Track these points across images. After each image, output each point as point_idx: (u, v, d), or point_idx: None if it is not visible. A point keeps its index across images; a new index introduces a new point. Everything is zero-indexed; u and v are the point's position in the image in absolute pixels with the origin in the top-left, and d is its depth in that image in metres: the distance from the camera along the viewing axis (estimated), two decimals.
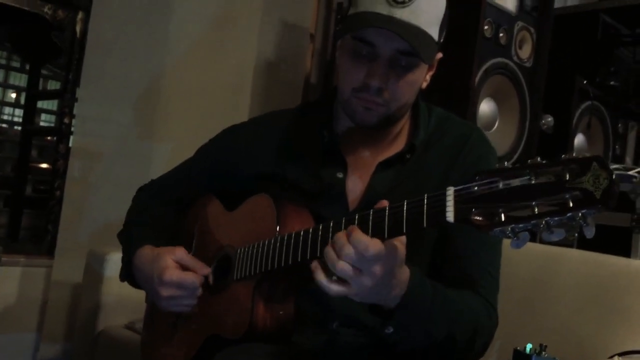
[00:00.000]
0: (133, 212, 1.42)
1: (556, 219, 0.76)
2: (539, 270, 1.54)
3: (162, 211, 1.40)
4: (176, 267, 1.19)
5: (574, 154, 0.77)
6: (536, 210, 0.77)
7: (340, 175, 1.20)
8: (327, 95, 1.31)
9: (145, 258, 1.24)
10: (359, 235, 0.91)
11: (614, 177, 0.73)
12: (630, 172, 2.17)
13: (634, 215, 1.87)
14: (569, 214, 0.75)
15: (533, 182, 0.78)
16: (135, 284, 1.31)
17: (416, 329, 1.03)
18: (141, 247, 1.27)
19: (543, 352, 0.97)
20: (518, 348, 0.99)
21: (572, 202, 0.74)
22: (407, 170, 1.20)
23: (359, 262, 0.91)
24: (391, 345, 1.07)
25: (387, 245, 0.92)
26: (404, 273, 0.97)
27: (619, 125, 2.94)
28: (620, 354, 1.18)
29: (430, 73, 1.21)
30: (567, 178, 0.75)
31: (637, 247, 1.85)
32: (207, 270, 1.21)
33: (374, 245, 0.90)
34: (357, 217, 0.96)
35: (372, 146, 1.22)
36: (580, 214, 0.74)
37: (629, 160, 2.98)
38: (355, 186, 1.20)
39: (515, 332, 1.45)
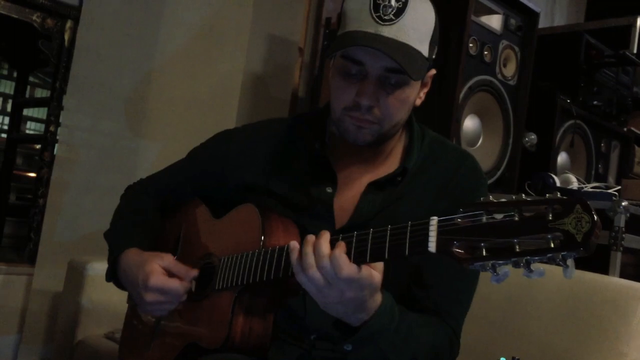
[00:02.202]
0: (121, 211, 1.41)
1: (536, 258, 0.76)
2: (517, 285, 1.55)
3: (149, 212, 1.39)
4: (162, 272, 1.18)
5: (558, 194, 0.77)
6: (517, 248, 0.77)
7: (329, 190, 1.19)
8: (322, 107, 1.31)
9: (132, 261, 1.24)
10: (340, 254, 0.93)
11: (595, 220, 0.73)
12: (610, 191, 2.20)
13: (612, 232, 1.89)
14: (549, 255, 0.75)
15: (516, 218, 0.78)
16: (120, 285, 1.30)
17: (374, 352, 1.03)
18: (128, 250, 1.27)
19: None
20: None
21: (553, 243, 0.75)
22: (397, 193, 1.19)
23: (331, 277, 0.94)
24: None
25: (362, 272, 0.94)
26: (375, 301, 0.99)
27: (602, 144, 2.97)
28: None
29: (425, 90, 1.21)
30: (550, 218, 0.75)
31: (615, 265, 1.87)
32: (194, 273, 1.20)
33: (349, 268, 0.93)
34: (340, 238, 0.97)
35: (364, 163, 1.22)
36: (560, 256, 0.75)
37: (611, 179, 3.01)
38: (343, 204, 1.19)
39: (492, 347, 1.46)
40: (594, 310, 1.43)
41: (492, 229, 0.79)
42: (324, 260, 0.94)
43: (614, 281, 1.52)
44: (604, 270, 1.88)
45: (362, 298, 0.96)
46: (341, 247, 0.95)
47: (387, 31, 1.07)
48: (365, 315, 0.99)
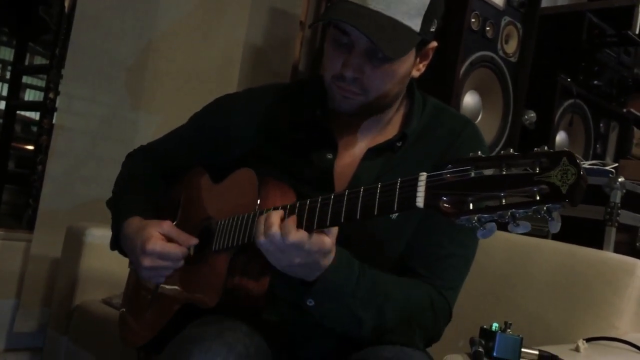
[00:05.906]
0: (122, 179, 1.42)
1: (521, 211, 0.76)
2: (513, 258, 1.56)
3: (151, 179, 1.39)
4: (161, 238, 1.19)
5: (545, 148, 0.77)
6: (503, 201, 0.77)
7: (329, 156, 1.20)
8: (323, 75, 1.29)
9: (133, 229, 1.25)
10: (288, 223, 0.98)
11: (581, 173, 0.73)
12: (607, 167, 2.21)
13: (608, 208, 1.91)
14: (534, 207, 0.75)
15: (504, 172, 0.78)
16: (124, 252, 1.31)
17: (337, 306, 1.05)
18: (131, 217, 1.27)
19: (508, 330, 0.99)
20: (485, 326, 1.01)
21: (539, 196, 0.74)
22: (396, 159, 1.19)
23: (280, 244, 0.98)
24: (318, 319, 1.09)
25: (312, 238, 0.97)
26: (328, 260, 1.02)
27: (601, 124, 2.98)
28: (585, 339, 1.21)
29: (425, 62, 1.20)
30: (537, 171, 0.75)
31: (610, 240, 1.89)
32: (194, 241, 1.21)
33: (296, 236, 0.97)
34: (332, 196, 0.97)
35: (364, 130, 1.22)
36: (545, 208, 0.74)
37: (609, 159, 3.02)
38: (343, 170, 1.20)
39: (486, 316, 1.47)
40: (587, 284, 1.45)
41: (479, 184, 0.80)
42: (273, 228, 0.98)
43: (608, 255, 1.54)
44: (599, 245, 1.90)
45: (314, 260, 1.00)
46: (292, 219, 0.98)
47: (374, 4, 1.06)
48: (319, 272, 1.02)
